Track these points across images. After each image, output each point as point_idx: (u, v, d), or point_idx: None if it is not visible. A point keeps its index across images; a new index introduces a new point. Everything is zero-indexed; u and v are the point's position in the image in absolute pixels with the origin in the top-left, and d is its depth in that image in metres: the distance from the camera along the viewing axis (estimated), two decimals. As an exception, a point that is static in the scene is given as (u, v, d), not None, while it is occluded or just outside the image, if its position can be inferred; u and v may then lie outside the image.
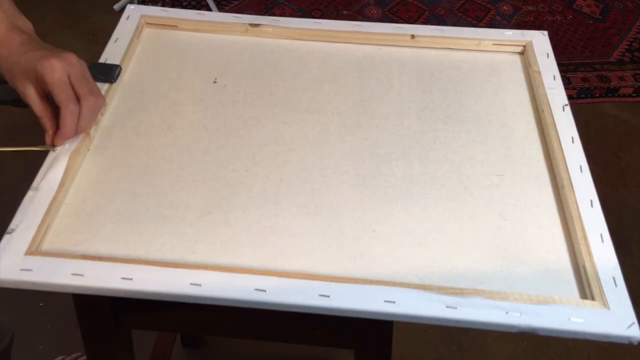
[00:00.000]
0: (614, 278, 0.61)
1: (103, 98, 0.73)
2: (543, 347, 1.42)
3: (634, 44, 2.18)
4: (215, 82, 0.83)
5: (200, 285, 0.59)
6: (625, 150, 1.87)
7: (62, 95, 0.66)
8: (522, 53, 0.89)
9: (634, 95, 2.02)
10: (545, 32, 0.90)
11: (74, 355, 1.33)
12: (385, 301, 0.58)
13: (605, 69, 2.09)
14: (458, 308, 0.58)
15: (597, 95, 2.01)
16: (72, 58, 0.68)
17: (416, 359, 1.39)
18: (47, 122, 0.69)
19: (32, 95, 0.67)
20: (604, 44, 2.18)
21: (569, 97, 0.80)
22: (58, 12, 2.07)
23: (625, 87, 2.04)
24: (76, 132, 0.69)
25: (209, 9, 2.23)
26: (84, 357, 1.28)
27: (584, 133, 0.76)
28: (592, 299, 0.60)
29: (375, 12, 2.30)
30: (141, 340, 1.32)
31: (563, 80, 0.83)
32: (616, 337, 0.58)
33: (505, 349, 1.42)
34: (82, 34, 2.15)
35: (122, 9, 0.88)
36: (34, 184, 0.67)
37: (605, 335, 0.58)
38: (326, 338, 0.74)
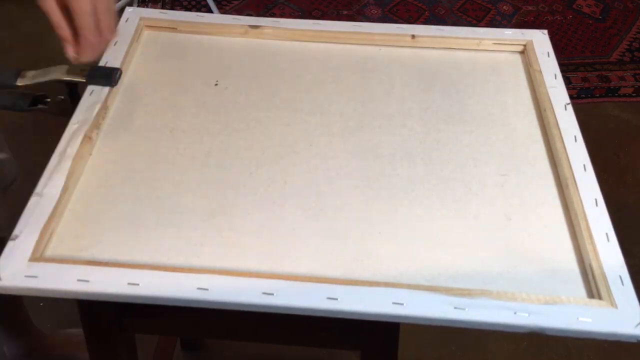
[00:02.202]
0: (620, 277, 0.61)
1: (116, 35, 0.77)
2: (543, 347, 1.42)
3: (634, 44, 2.18)
4: (216, 84, 0.83)
5: (207, 289, 0.59)
6: (625, 150, 1.87)
7: (84, 24, 0.68)
8: (522, 52, 0.89)
9: (634, 95, 2.02)
10: (545, 31, 0.90)
11: None
12: (394, 303, 0.58)
13: (606, 69, 2.09)
14: (466, 309, 0.58)
15: (597, 95, 2.01)
16: None
17: (416, 359, 1.39)
18: (64, 32, 0.70)
19: (51, 4, 0.68)
20: (604, 44, 2.18)
21: (569, 97, 0.80)
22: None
23: (626, 87, 2.04)
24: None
25: (209, 9, 2.23)
26: None
27: (584, 133, 0.75)
28: (600, 298, 0.60)
29: (375, 12, 2.30)
30: (142, 343, 1.32)
31: (563, 80, 0.83)
32: (624, 335, 0.58)
33: (505, 349, 1.42)
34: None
35: (122, 8, 0.88)
36: (37, 189, 0.66)
37: (613, 334, 0.58)
38: (332, 340, 0.74)
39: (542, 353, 1.41)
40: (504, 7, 2.34)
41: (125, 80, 0.82)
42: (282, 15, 2.27)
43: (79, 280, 0.59)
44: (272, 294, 0.58)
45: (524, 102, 0.82)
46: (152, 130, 0.76)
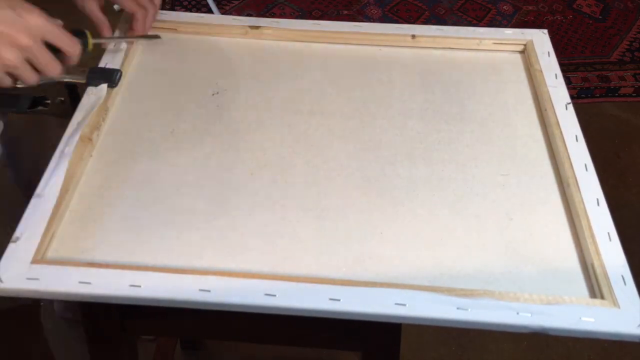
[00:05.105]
0: (622, 276, 0.61)
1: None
2: (543, 347, 1.42)
3: (634, 43, 2.18)
4: (217, 85, 0.82)
5: (209, 291, 0.58)
6: (625, 150, 1.87)
7: (132, 5, 0.84)
8: (522, 52, 0.89)
9: (634, 95, 2.02)
10: (545, 31, 0.90)
11: None
12: (396, 304, 0.58)
13: (606, 69, 2.09)
14: (469, 309, 0.58)
15: (598, 95, 2.01)
16: None
17: (416, 358, 1.39)
18: (105, 29, 0.84)
19: (92, 7, 0.83)
20: (604, 43, 2.18)
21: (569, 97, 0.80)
22: (58, 12, 2.07)
23: (626, 87, 2.04)
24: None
25: (210, 10, 2.23)
26: None
27: (584, 133, 0.75)
28: (602, 297, 0.60)
29: (376, 12, 2.30)
30: (143, 343, 1.32)
31: (563, 80, 0.83)
32: (627, 335, 0.57)
33: (505, 349, 1.42)
34: (83, 33, 2.15)
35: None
36: (37, 190, 0.66)
37: (616, 334, 0.58)
38: (334, 341, 0.74)
39: (542, 353, 1.41)
40: (504, 7, 2.34)
41: (125, 81, 0.82)
42: (282, 15, 2.27)
43: (80, 282, 0.59)
44: (275, 295, 0.58)
45: (525, 101, 0.82)
46: (153, 131, 0.76)
